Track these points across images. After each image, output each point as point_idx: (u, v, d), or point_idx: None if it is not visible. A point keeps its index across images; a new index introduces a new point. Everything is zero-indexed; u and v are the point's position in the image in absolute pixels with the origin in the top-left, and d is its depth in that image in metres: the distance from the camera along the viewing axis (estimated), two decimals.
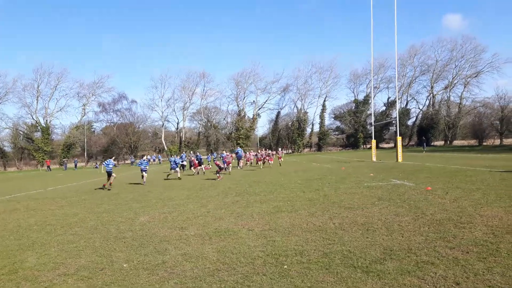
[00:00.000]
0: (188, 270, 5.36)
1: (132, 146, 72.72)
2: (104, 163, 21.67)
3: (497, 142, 68.60)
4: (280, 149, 36.87)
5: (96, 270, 5.63)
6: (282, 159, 33.92)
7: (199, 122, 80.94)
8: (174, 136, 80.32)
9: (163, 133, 77.89)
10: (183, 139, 77.48)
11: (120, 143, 71.81)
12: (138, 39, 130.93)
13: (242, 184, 17.26)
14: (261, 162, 31.38)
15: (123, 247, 6.98)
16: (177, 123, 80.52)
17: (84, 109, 75.94)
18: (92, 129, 79.86)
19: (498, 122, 70.19)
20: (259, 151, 36.20)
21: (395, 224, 7.32)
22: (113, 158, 21.93)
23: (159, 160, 66.49)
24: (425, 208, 8.73)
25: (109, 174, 19.18)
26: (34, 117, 71.43)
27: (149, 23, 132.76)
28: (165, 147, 75.74)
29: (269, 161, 30.81)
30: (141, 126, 79.16)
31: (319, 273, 4.88)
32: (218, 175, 21.01)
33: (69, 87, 75.89)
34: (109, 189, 18.49)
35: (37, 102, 71.85)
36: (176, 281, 4.97)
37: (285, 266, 5.19)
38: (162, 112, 78.48)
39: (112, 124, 78.57)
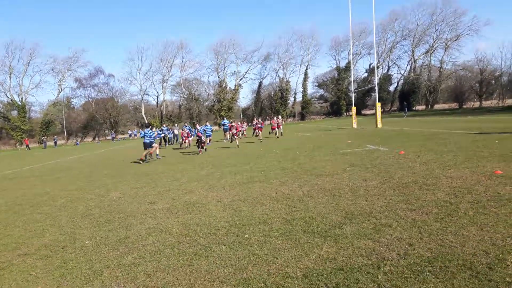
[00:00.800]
0: (149, 244, 5.33)
1: (112, 121, 71.67)
2: (141, 132, 20.01)
3: (477, 104, 69.77)
4: (276, 117, 30.59)
5: (57, 249, 5.56)
6: (281, 128, 29.22)
7: (180, 94, 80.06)
8: (155, 109, 79.32)
9: (143, 107, 76.86)
10: (164, 112, 76.61)
11: (100, 118, 70.65)
12: (111, 10, 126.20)
13: (221, 156, 17.22)
14: (259, 131, 27.46)
15: (88, 224, 6.90)
16: (157, 97, 79.55)
17: (60, 85, 74.17)
18: (71, 106, 78.19)
19: (477, 85, 71.16)
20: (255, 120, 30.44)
21: (362, 189, 7.39)
22: (150, 127, 19.63)
23: (140, 134, 65.82)
24: (394, 172, 8.83)
25: (147, 145, 17.78)
26: (8, 95, 69.44)
27: None
28: (146, 122, 74.83)
29: (259, 131, 27.22)
30: (120, 100, 77.90)
31: (278, 240, 4.90)
32: (199, 149, 20.13)
33: (43, 62, 74.06)
34: (147, 161, 17.50)
35: (10, 79, 69.71)
36: (135, 255, 4.94)
37: (246, 235, 5.20)
38: (141, 86, 77.35)
39: (90, 99, 77.08)
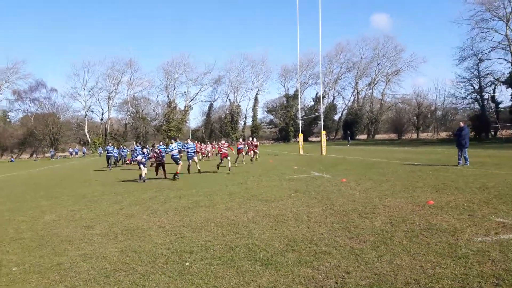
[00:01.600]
0: (83, 271, 5.02)
1: (53, 138, 67.74)
2: (169, 147, 18.00)
3: (414, 136, 74.43)
4: (250, 139, 26.22)
5: None
6: (257, 152, 25.21)
7: (127, 112, 77.86)
8: (99, 127, 76.33)
9: (86, 124, 73.63)
10: (108, 130, 73.91)
11: (39, 134, 66.47)
12: (56, 21, 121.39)
13: (164, 179, 16.83)
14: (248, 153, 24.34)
15: (18, 249, 6.40)
16: (102, 114, 76.80)
17: None
18: (7, 119, 73.11)
19: (415, 117, 76.15)
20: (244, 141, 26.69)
21: (304, 216, 7.54)
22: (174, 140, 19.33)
23: (83, 153, 62.84)
24: (335, 199, 9.12)
25: (175, 161, 17.09)
26: None
27: (69, 4, 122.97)
28: (89, 139, 71.67)
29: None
30: (62, 116, 74.08)
31: (220, 268, 4.83)
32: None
33: None
34: (175, 178, 16.04)
35: None
36: (67, 284, 4.63)
37: (187, 263, 5.07)
38: (85, 102, 74.28)
39: (29, 114, 72.51)
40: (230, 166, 18.90)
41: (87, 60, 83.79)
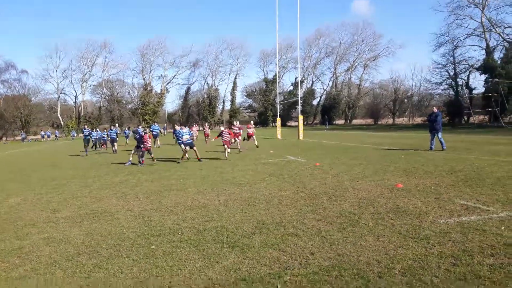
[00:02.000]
0: (45, 255, 4.89)
1: (23, 120, 65.62)
2: (176, 131, 17.04)
3: (390, 121, 75.67)
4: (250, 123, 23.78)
5: None
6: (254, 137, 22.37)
7: (101, 95, 76.01)
8: (73, 110, 74.36)
9: (59, 106, 71.54)
10: (82, 113, 72.13)
11: (9, 117, 64.24)
12: (27, 2, 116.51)
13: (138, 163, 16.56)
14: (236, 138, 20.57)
15: None
16: (75, 96, 74.80)
17: None
18: None
19: (392, 103, 77.30)
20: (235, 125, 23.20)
21: (276, 199, 7.56)
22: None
23: (55, 136, 61.26)
24: (307, 183, 9.18)
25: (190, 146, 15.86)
26: None
27: None
28: (62, 122, 69.77)
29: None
30: (34, 99, 71.76)
31: (186, 251, 4.78)
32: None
33: None
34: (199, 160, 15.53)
35: None
36: (28, 267, 4.50)
37: (153, 246, 5.01)
38: (58, 84, 72.03)
39: None
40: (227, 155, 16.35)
41: (60, 41, 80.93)
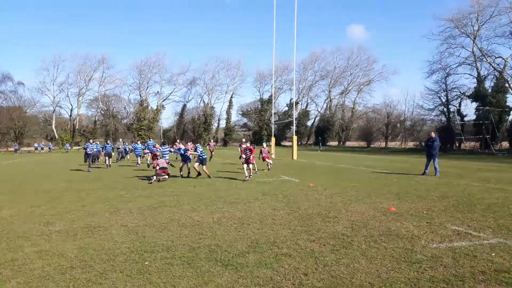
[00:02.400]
0: (37, 268, 4.87)
1: (17, 132, 65.21)
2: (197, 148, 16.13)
3: (383, 144, 76.20)
4: (267, 144, 22.68)
5: None
6: (270, 160, 19.62)
7: (97, 109, 76.01)
8: (68, 123, 74.13)
9: (54, 119, 71.29)
10: (77, 127, 71.91)
11: (3, 128, 63.85)
12: (27, 14, 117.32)
13: (133, 178, 16.52)
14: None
15: None
16: (71, 110, 74.66)
17: None
18: None
19: (384, 127, 78.03)
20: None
21: (270, 218, 7.59)
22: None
23: (49, 148, 60.86)
24: (301, 203, 9.23)
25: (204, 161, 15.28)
26: None
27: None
28: (56, 135, 69.37)
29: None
30: (29, 111, 71.56)
31: (179, 268, 4.79)
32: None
33: None
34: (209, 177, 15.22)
35: None
36: (20, 280, 4.47)
37: (147, 263, 5.00)
38: (54, 97, 71.96)
39: None
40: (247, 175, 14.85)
41: (58, 55, 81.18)
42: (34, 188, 12.94)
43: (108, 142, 25.89)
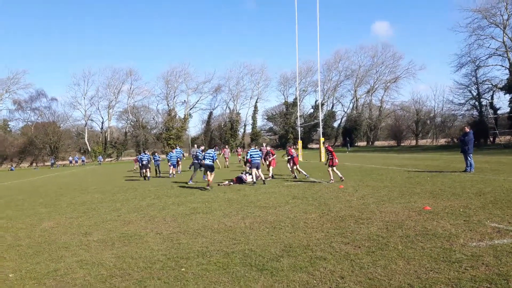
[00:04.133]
0: (79, 277, 5.05)
1: (53, 146, 67.74)
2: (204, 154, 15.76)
3: (413, 143, 74.37)
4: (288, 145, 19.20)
5: None
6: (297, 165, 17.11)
7: (127, 121, 77.95)
8: (99, 136, 76.42)
9: (86, 133, 73.66)
10: (108, 139, 73.98)
11: (39, 143, 66.49)
12: (57, 31, 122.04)
13: (164, 186, 16.84)
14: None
15: (15, 255, 6.43)
16: (102, 123, 76.86)
17: None
18: (8, 129, 73.26)
19: (414, 124, 76.18)
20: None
21: (301, 222, 7.57)
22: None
23: (82, 161, 62.89)
24: (332, 206, 9.15)
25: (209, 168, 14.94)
26: None
27: (67, 13, 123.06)
28: (89, 148, 71.62)
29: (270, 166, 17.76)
30: (62, 125, 74.24)
31: (215, 273, 4.85)
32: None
33: None
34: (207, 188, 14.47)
35: None
36: None
37: (183, 269, 5.10)
38: (85, 111, 74.39)
39: (30, 123, 72.68)
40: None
41: (87, 69, 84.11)
42: (71, 201, 13.41)
43: (146, 152, 23.11)
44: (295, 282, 4.39)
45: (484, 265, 4.57)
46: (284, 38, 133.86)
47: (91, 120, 77.06)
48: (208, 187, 14.27)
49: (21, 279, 5.18)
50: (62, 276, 5.18)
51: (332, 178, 14.41)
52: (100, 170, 37.84)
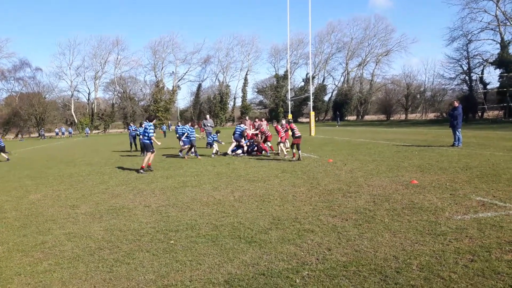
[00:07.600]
0: (67, 250, 5.04)
1: (38, 118, 66.51)
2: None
3: (403, 117, 74.86)
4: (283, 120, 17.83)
5: None
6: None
7: (114, 92, 76.67)
8: (86, 107, 75.21)
9: (72, 104, 72.34)
10: (95, 110, 72.91)
11: (24, 114, 65.22)
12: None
13: (154, 160, 16.72)
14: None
15: (1, 228, 6.37)
16: (89, 94, 75.55)
17: None
18: None
19: (404, 98, 76.47)
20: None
21: (290, 195, 7.62)
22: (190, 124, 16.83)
23: (69, 133, 62.11)
24: (321, 179, 9.21)
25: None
26: None
27: None
28: (76, 120, 70.58)
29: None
30: (48, 96, 72.66)
31: (204, 246, 4.88)
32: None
33: None
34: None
35: None
36: (51, 262, 4.64)
37: (172, 242, 5.12)
38: (71, 82, 72.85)
39: (14, 93, 70.92)
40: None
41: (73, 38, 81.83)
42: (58, 173, 13.28)
43: (131, 124, 22.36)
44: (283, 254, 4.44)
45: (468, 238, 4.67)
46: (276, 8, 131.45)
47: (77, 91, 75.76)
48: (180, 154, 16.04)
49: (8, 251, 5.15)
50: (50, 248, 5.16)
51: (285, 153, 14.50)
52: (87, 142, 37.46)
